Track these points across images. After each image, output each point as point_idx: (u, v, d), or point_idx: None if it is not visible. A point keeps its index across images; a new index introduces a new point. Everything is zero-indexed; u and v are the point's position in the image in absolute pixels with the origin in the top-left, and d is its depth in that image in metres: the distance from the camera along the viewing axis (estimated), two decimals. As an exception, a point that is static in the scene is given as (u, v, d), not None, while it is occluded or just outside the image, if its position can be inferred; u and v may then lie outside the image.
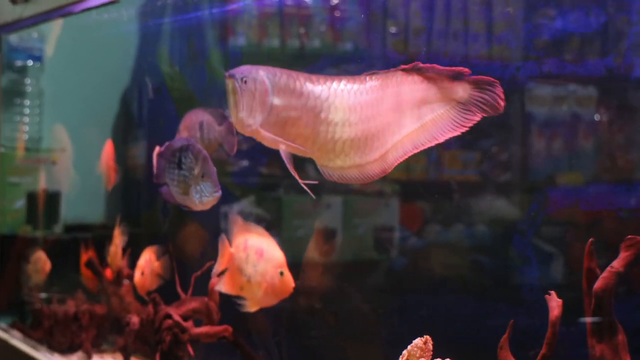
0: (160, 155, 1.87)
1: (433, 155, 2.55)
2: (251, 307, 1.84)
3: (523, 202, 2.15)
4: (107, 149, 2.59)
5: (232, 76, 1.47)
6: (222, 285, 1.88)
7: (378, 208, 2.74)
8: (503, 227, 2.15)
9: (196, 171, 1.79)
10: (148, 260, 2.30)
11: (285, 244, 2.74)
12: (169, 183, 1.85)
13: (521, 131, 2.24)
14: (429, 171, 2.58)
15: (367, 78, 1.42)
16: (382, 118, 1.42)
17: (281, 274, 1.83)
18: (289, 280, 1.83)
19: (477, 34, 2.06)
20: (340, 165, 1.55)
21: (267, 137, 1.51)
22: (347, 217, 2.75)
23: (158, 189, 1.88)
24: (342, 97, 1.43)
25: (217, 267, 1.89)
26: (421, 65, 1.37)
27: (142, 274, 2.30)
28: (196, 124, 2.02)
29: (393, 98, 1.41)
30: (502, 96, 1.32)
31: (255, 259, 1.86)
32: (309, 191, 1.58)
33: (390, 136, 1.43)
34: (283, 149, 1.53)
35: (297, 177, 1.60)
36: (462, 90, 1.35)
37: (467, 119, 1.37)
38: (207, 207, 1.80)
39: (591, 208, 1.84)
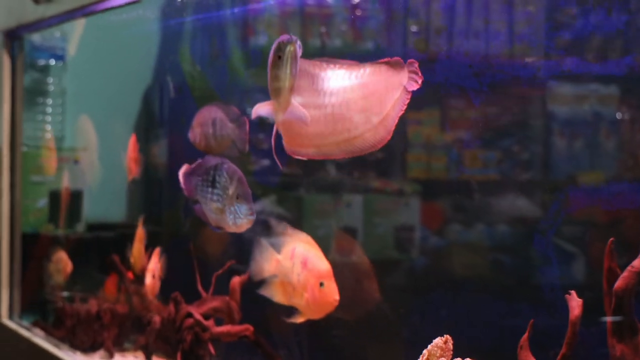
0: (192, 172, 1.85)
1: (454, 154, 2.55)
2: (298, 318, 1.78)
3: (544, 202, 2.14)
4: (131, 142, 2.60)
5: (294, 40, 1.49)
6: (274, 295, 1.83)
7: (398, 207, 2.74)
8: (523, 227, 2.14)
9: (230, 191, 1.76)
10: (157, 262, 2.31)
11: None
12: (202, 202, 1.82)
13: (542, 130, 2.24)
14: (449, 170, 2.58)
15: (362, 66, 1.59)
16: (369, 99, 1.59)
17: (321, 284, 1.76)
18: (330, 292, 1.75)
19: (498, 32, 2.06)
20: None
21: (296, 107, 1.54)
22: (367, 216, 2.76)
23: (192, 205, 1.85)
24: (342, 80, 1.58)
25: (259, 273, 1.86)
26: (394, 59, 1.57)
27: (153, 277, 2.30)
28: (209, 120, 2.03)
29: (380, 83, 1.59)
30: (420, 73, 1.55)
31: (300, 268, 1.81)
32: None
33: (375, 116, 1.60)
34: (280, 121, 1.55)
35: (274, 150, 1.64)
36: (405, 77, 1.57)
37: (407, 99, 1.59)
38: (241, 229, 1.77)
39: (612, 207, 1.84)
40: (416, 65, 1.55)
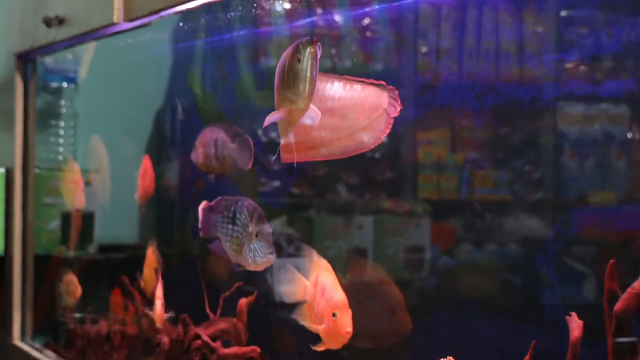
0: (211, 208, 1.81)
1: (464, 174, 2.55)
2: (320, 346, 1.72)
3: (546, 223, 2.14)
4: (146, 162, 2.58)
5: (314, 41, 1.45)
6: (305, 321, 1.77)
7: (409, 228, 2.75)
8: (528, 247, 2.14)
9: (250, 229, 1.71)
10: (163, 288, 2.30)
11: (316, 264, 2.75)
12: (222, 238, 1.79)
13: (551, 150, 2.24)
14: (460, 191, 2.58)
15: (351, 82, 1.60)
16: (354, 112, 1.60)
17: (334, 315, 1.68)
18: (342, 324, 1.67)
19: (503, 54, 2.07)
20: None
21: (314, 110, 1.51)
22: (378, 237, 2.76)
23: (208, 243, 1.82)
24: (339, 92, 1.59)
25: (289, 297, 1.81)
26: (378, 82, 1.58)
27: (162, 304, 2.29)
28: (211, 140, 2.05)
29: (359, 99, 1.60)
30: (399, 100, 1.55)
31: (319, 296, 1.74)
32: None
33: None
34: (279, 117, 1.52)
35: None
36: (386, 100, 1.57)
37: (389, 122, 1.58)
38: (260, 268, 1.73)
39: (614, 228, 1.83)
40: (396, 92, 1.55)
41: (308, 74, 1.46)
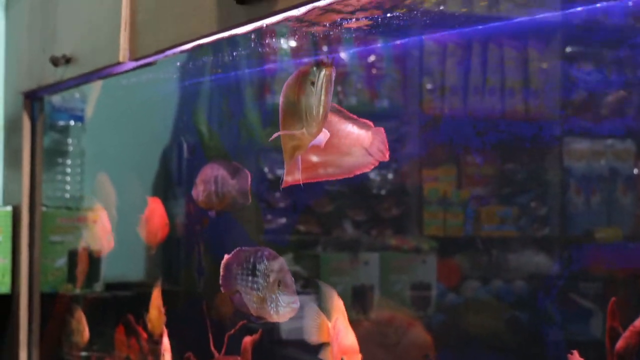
0: (231, 261, 1.75)
1: (470, 211, 2.55)
2: None
3: (551, 258, 2.14)
4: (157, 206, 2.57)
5: (331, 62, 1.39)
6: None
7: (415, 264, 2.75)
8: (531, 284, 2.14)
9: (271, 279, 1.64)
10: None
11: (323, 302, 2.75)
12: (242, 291, 1.72)
13: (556, 187, 2.24)
14: (465, 227, 2.58)
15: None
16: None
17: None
18: None
19: (506, 91, 2.07)
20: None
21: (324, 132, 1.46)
22: (384, 273, 2.76)
23: (230, 297, 1.78)
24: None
25: (312, 338, 1.76)
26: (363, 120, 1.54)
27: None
28: (211, 177, 2.06)
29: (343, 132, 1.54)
30: (386, 146, 1.50)
31: (334, 339, 1.68)
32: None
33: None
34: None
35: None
36: (368, 139, 1.52)
37: (370, 163, 1.54)
38: (283, 319, 1.66)
39: (619, 265, 1.83)
40: (382, 135, 1.51)
41: (322, 97, 1.40)
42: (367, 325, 2.19)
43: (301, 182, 1.53)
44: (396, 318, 2.33)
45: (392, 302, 2.65)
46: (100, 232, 2.72)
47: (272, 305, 1.64)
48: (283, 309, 1.63)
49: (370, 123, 1.52)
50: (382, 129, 1.52)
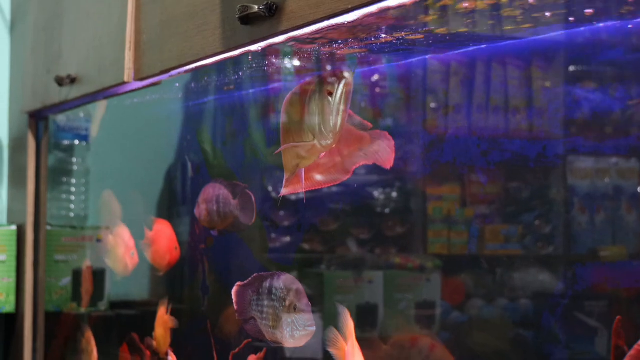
0: (246, 286, 1.73)
1: (474, 229, 2.55)
2: None
3: (555, 277, 2.14)
4: (164, 228, 2.54)
5: (352, 73, 1.35)
6: None
7: (420, 283, 2.74)
8: (536, 302, 2.14)
9: (287, 302, 1.63)
10: None
11: (327, 320, 2.75)
12: (257, 317, 1.69)
13: (560, 205, 2.24)
14: (470, 246, 2.58)
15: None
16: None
17: None
18: None
19: (510, 110, 2.08)
20: None
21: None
22: (388, 292, 2.76)
23: (243, 325, 1.74)
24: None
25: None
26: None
27: None
28: (213, 197, 2.07)
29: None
30: (393, 150, 1.50)
31: None
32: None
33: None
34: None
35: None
36: (367, 140, 1.53)
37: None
38: (299, 343, 1.64)
39: (624, 283, 1.83)
40: (387, 139, 1.49)
41: (342, 108, 1.38)
42: (388, 349, 2.18)
43: (303, 191, 1.52)
44: (419, 340, 2.32)
45: (400, 322, 2.65)
46: (122, 250, 2.65)
47: (287, 329, 1.60)
48: (299, 333, 1.60)
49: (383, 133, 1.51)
50: (386, 133, 1.51)
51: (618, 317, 1.32)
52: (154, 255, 2.50)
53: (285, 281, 1.64)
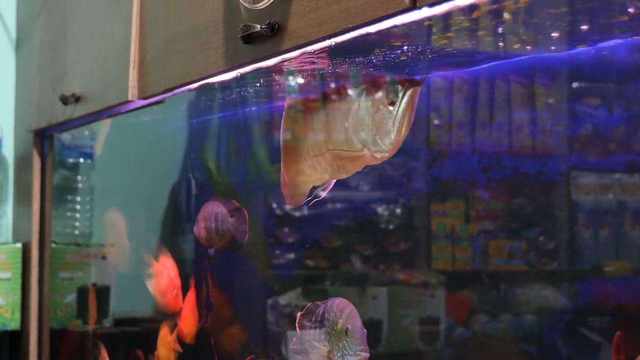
0: (303, 317, 1.59)
1: (477, 245, 2.56)
2: None
3: (557, 293, 2.14)
4: (168, 269, 2.47)
5: (420, 82, 1.24)
6: None
7: (424, 299, 2.75)
8: (538, 318, 2.14)
9: (339, 326, 1.51)
10: None
11: (333, 336, 2.75)
12: (308, 345, 1.57)
13: (563, 221, 2.24)
14: (474, 261, 2.58)
15: None
16: None
17: None
18: None
19: (513, 127, 2.09)
20: None
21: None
22: (392, 308, 2.76)
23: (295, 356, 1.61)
24: None
25: None
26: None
27: None
28: (212, 214, 2.08)
29: None
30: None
31: None
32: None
33: None
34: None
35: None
36: None
37: None
38: None
39: (621, 300, 1.83)
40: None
41: (406, 120, 1.26)
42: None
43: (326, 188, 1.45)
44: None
45: (404, 338, 2.65)
46: (164, 283, 2.48)
47: (338, 354, 1.49)
48: (350, 358, 1.48)
49: None
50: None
51: (618, 332, 1.32)
52: (154, 290, 2.48)
53: (337, 304, 1.53)
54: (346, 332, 1.48)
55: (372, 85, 1.31)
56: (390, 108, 1.27)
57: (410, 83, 1.26)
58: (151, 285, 2.50)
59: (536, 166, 1.95)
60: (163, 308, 2.44)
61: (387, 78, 1.30)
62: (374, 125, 1.28)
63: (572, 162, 1.91)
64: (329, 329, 1.51)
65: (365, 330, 1.49)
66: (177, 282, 2.42)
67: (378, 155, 1.30)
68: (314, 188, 1.49)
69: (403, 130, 1.27)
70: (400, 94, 1.27)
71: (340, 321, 1.50)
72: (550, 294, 2.23)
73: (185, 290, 2.40)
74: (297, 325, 1.59)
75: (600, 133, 1.86)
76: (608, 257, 2.11)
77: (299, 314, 1.58)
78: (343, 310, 1.51)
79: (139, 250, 2.86)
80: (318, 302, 1.56)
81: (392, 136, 1.27)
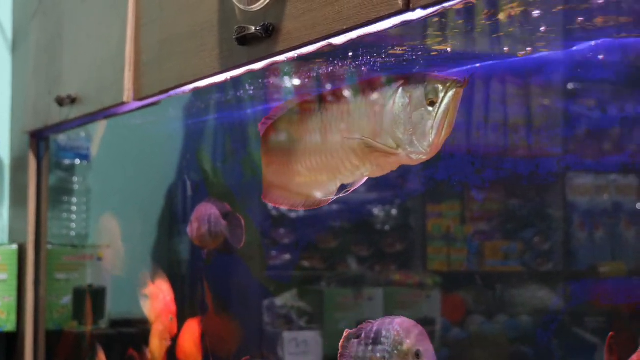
0: (351, 336, 1.48)
1: (473, 246, 2.56)
2: None
3: (551, 293, 2.15)
4: (165, 291, 2.41)
5: (466, 81, 1.18)
6: None
7: (419, 300, 2.75)
8: (532, 318, 2.15)
9: (405, 346, 1.39)
10: None
11: (327, 337, 2.76)
12: None
13: (559, 223, 2.25)
14: (469, 262, 2.59)
15: None
16: None
17: None
18: None
19: (505, 128, 2.09)
20: None
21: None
22: (388, 309, 2.76)
23: None
24: None
25: None
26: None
27: None
28: (205, 216, 2.09)
29: None
30: None
31: None
32: None
33: None
34: None
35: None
36: None
37: None
38: None
39: (616, 300, 1.84)
40: None
41: (447, 122, 1.19)
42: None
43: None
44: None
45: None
46: (159, 306, 2.45)
47: None
48: None
49: None
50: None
51: (611, 333, 1.33)
52: (149, 312, 2.47)
53: (401, 324, 1.42)
54: (417, 355, 1.36)
55: (409, 82, 1.24)
56: (430, 108, 1.20)
57: (452, 83, 1.19)
58: (146, 307, 2.48)
59: (530, 167, 1.96)
60: (157, 332, 2.42)
61: (426, 75, 1.22)
62: (410, 125, 1.22)
63: (566, 163, 1.91)
64: (389, 347, 1.39)
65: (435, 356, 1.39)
66: (173, 307, 2.39)
67: (414, 157, 1.24)
68: (343, 186, 1.43)
69: (443, 133, 1.20)
70: (441, 94, 1.20)
71: (408, 342, 1.38)
72: (545, 295, 2.23)
73: (180, 316, 2.39)
74: (342, 341, 1.49)
75: (594, 134, 1.86)
76: (603, 257, 2.11)
77: (346, 330, 1.49)
78: (410, 330, 1.41)
79: (135, 252, 2.86)
80: (371, 320, 1.47)
81: (431, 138, 1.21)
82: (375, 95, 1.27)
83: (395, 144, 1.23)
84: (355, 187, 1.39)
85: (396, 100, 1.23)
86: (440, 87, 1.19)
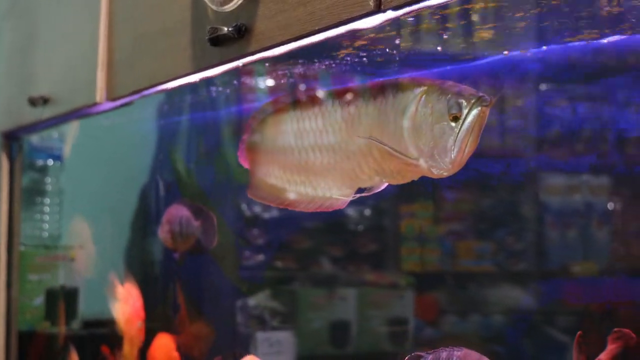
0: None
1: (447, 246, 2.58)
2: None
3: (522, 293, 2.16)
4: (135, 297, 2.42)
5: (488, 101, 1.11)
6: None
7: (392, 300, 2.76)
8: (508, 318, 2.16)
9: None
10: None
11: (300, 337, 2.76)
12: None
13: (531, 222, 2.26)
14: (442, 262, 2.60)
15: None
16: None
17: None
18: None
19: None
20: None
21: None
22: (361, 309, 2.77)
23: None
24: None
25: None
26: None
27: None
28: (177, 218, 2.09)
29: None
30: None
31: None
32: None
33: None
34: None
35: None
36: None
37: None
38: None
39: (587, 299, 1.85)
40: None
41: (470, 140, 1.12)
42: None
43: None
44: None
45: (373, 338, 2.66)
46: (128, 311, 2.45)
47: None
48: None
49: None
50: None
51: (579, 332, 1.34)
52: (119, 315, 2.46)
53: (465, 356, 1.31)
54: None
55: (431, 90, 1.17)
56: (452, 124, 1.13)
57: (477, 100, 1.12)
58: (115, 309, 2.48)
59: (500, 167, 1.97)
60: (126, 337, 2.41)
61: (451, 85, 1.15)
62: (432, 138, 1.15)
63: (537, 163, 1.92)
64: None
65: None
66: (142, 313, 2.39)
67: (435, 171, 1.18)
68: (361, 189, 1.38)
69: (466, 151, 1.13)
70: (465, 110, 1.12)
71: None
72: (517, 294, 2.24)
73: (151, 319, 2.38)
74: None
75: (565, 134, 1.88)
76: (574, 257, 2.13)
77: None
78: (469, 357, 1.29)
79: (107, 254, 2.85)
80: (424, 354, 1.37)
81: (453, 155, 1.14)
82: (394, 99, 1.21)
83: (417, 154, 1.18)
84: (373, 192, 1.32)
85: (419, 108, 1.17)
86: (465, 103, 1.12)
